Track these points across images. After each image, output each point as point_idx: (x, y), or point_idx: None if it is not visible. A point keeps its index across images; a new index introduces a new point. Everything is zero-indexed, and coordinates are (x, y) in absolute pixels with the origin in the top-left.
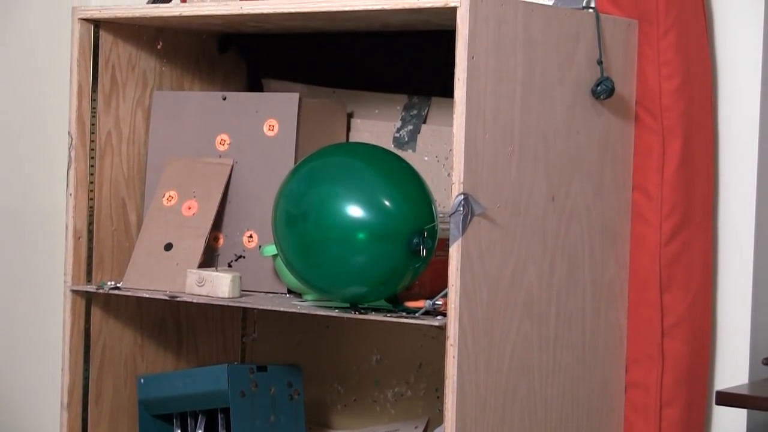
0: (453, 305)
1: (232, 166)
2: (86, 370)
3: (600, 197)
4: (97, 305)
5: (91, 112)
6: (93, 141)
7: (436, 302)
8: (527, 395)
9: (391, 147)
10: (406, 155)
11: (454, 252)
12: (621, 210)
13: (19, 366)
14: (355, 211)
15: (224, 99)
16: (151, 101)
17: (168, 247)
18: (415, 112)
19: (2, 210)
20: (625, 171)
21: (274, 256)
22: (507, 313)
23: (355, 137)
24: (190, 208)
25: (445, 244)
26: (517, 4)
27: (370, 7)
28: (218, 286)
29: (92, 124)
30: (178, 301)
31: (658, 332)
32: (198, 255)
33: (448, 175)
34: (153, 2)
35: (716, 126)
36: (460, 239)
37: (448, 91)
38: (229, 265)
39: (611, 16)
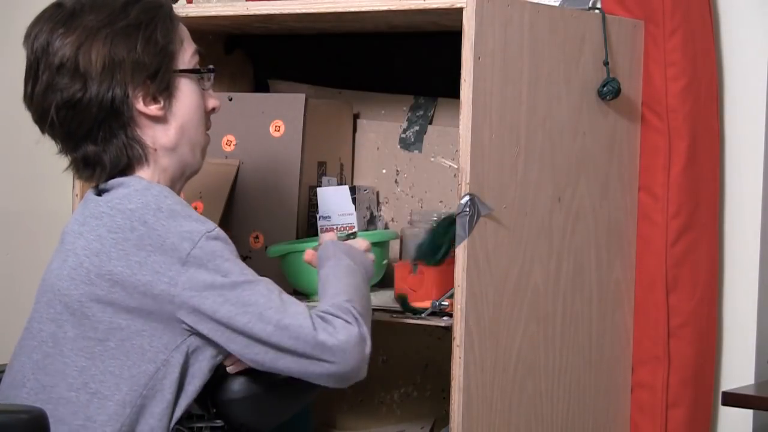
0: (459, 306)
1: (239, 167)
2: None
3: (606, 198)
4: None
5: None
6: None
7: (443, 303)
8: (533, 396)
9: (397, 147)
10: (413, 156)
11: (461, 253)
12: (627, 211)
13: None
14: None
15: (230, 100)
16: None
17: None
18: (421, 112)
19: (7, 211)
20: (632, 172)
21: (281, 257)
22: (513, 314)
23: (361, 138)
24: (196, 209)
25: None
26: (523, 5)
27: (376, 8)
28: None
29: None
30: None
31: (664, 333)
32: None
33: (455, 175)
34: None
35: (722, 127)
36: (466, 240)
37: (454, 92)
38: None
39: (617, 16)
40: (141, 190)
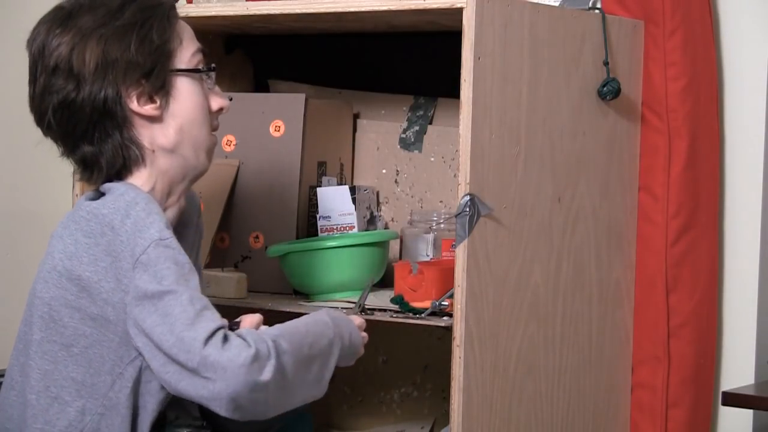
0: (459, 306)
1: (239, 167)
2: None
3: (606, 198)
4: None
5: None
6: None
7: (443, 303)
8: (533, 396)
9: (397, 147)
10: (413, 156)
11: (461, 253)
12: (627, 211)
13: None
14: None
15: (230, 100)
16: None
17: None
18: (421, 112)
19: (8, 211)
20: (632, 172)
21: (281, 257)
22: (513, 314)
23: (361, 138)
24: None
25: (451, 245)
26: (523, 5)
27: (376, 8)
28: (224, 286)
29: None
30: None
31: (664, 333)
32: (204, 256)
33: (455, 175)
34: None
35: (722, 127)
36: (466, 240)
37: (454, 92)
38: (236, 266)
39: (617, 16)
40: (117, 196)
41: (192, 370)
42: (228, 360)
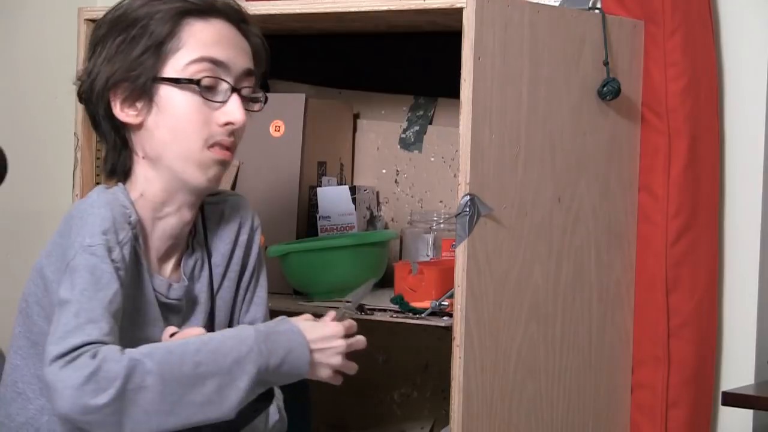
0: (459, 306)
1: (239, 167)
2: None
3: (606, 198)
4: None
5: None
6: (99, 142)
7: (442, 303)
8: (533, 396)
9: (397, 147)
10: (413, 156)
11: (461, 253)
12: (627, 211)
13: None
14: None
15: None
16: None
17: None
18: (421, 112)
19: (8, 211)
20: (632, 172)
21: (281, 257)
22: (513, 314)
23: (361, 138)
24: None
25: (451, 245)
26: (523, 5)
27: (376, 8)
28: None
29: None
30: None
31: (664, 333)
32: None
33: (455, 175)
34: None
35: (722, 127)
36: (466, 240)
37: (454, 92)
38: None
39: (617, 16)
40: (88, 197)
41: (47, 385)
42: (59, 380)
